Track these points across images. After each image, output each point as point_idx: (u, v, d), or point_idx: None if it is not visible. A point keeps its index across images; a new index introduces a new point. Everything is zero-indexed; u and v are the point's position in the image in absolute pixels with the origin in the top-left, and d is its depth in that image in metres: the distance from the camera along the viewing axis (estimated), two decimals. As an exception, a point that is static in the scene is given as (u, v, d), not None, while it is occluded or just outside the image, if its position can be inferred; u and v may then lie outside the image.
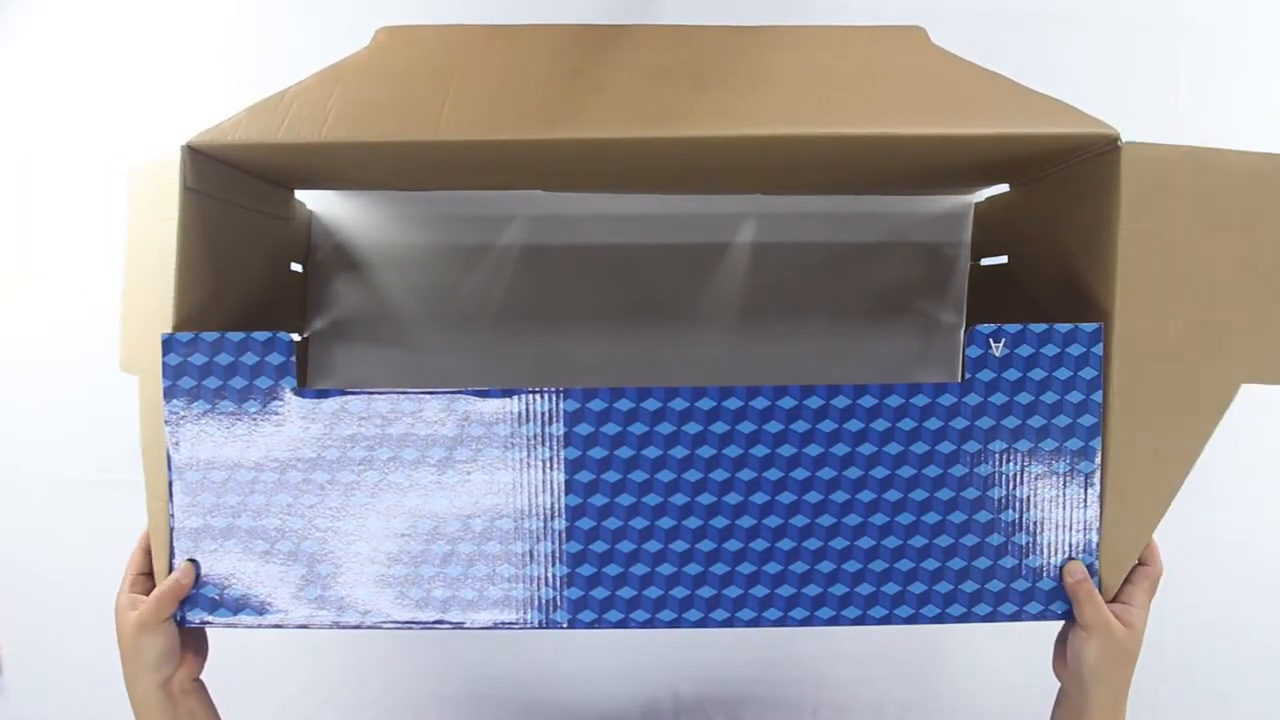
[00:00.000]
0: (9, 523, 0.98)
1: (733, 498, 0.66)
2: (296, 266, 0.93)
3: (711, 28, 0.73)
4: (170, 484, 0.67)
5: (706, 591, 0.66)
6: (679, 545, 0.66)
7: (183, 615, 0.67)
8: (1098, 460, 0.66)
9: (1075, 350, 0.65)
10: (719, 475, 0.66)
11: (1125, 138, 0.65)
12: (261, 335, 0.66)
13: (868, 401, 0.66)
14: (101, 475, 0.96)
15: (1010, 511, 0.66)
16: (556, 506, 0.66)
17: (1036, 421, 0.66)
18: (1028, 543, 0.66)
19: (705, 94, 0.68)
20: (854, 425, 0.66)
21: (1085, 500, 0.66)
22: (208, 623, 0.68)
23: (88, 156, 0.96)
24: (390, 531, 0.67)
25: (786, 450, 0.66)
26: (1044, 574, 0.66)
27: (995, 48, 0.94)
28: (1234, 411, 0.94)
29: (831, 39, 0.73)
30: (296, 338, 0.86)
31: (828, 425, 0.66)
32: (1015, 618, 0.66)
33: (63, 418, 0.97)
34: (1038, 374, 0.66)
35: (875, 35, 0.73)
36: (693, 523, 0.66)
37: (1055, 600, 0.66)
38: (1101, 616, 0.65)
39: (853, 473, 0.66)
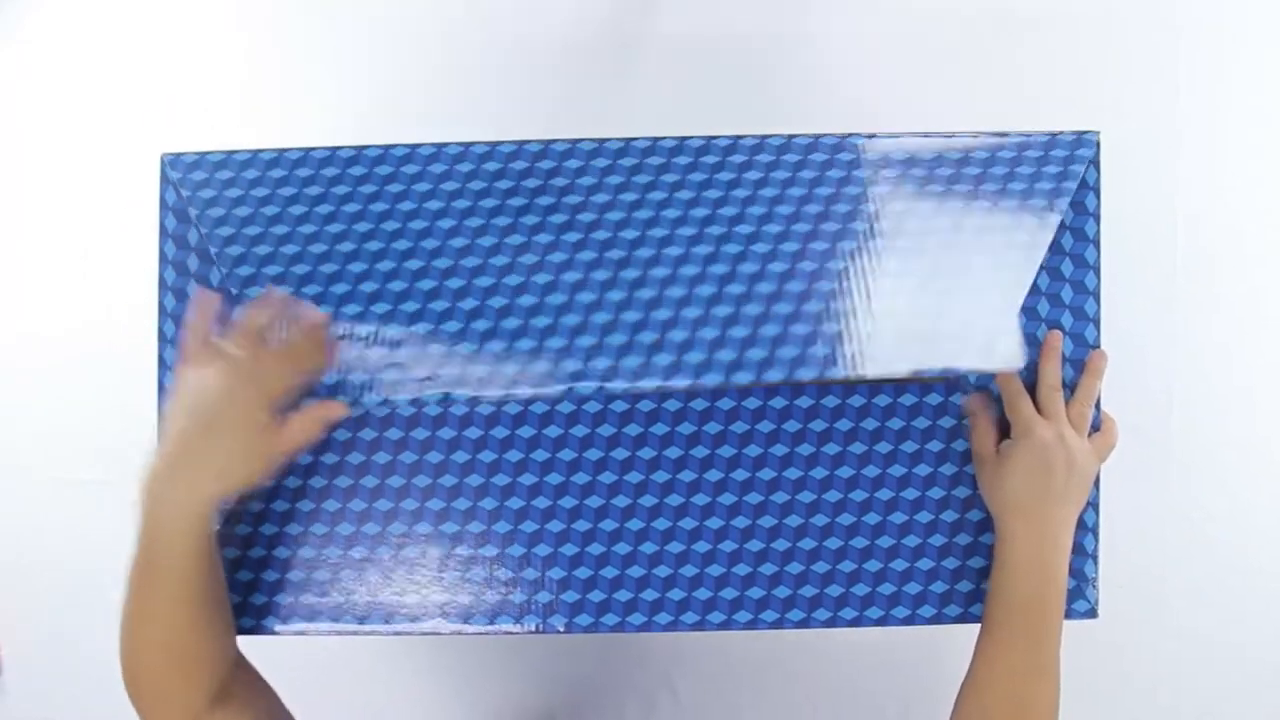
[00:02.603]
0: (9, 523, 0.98)
1: (727, 498, 0.66)
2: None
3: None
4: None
5: (703, 594, 0.66)
6: (675, 547, 0.66)
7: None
8: None
9: None
10: (713, 475, 0.66)
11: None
12: None
13: (857, 401, 0.66)
14: (101, 475, 0.96)
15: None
16: (553, 509, 0.66)
17: None
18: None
19: None
20: (844, 425, 0.66)
21: None
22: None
23: (84, 158, 0.96)
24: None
25: (779, 450, 0.66)
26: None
27: (995, 47, 0.95)
28: (1234, 414, 0.94)
29: None
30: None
31: (819, 424, 0.66)
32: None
33: (63, 418, 0.97)
34: None
35: None
36: (688, 524, 0.66)
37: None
38: (1027, 413, 0.63)
39: (844, 472, 0.66)
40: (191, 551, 0.54)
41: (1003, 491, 0.63)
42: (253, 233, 0.64)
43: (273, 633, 0.67)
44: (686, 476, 0.66)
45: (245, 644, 0.68)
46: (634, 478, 0.66)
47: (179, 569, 0.54)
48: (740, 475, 0.66)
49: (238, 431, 0.55)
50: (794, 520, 0.66)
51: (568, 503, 0.66)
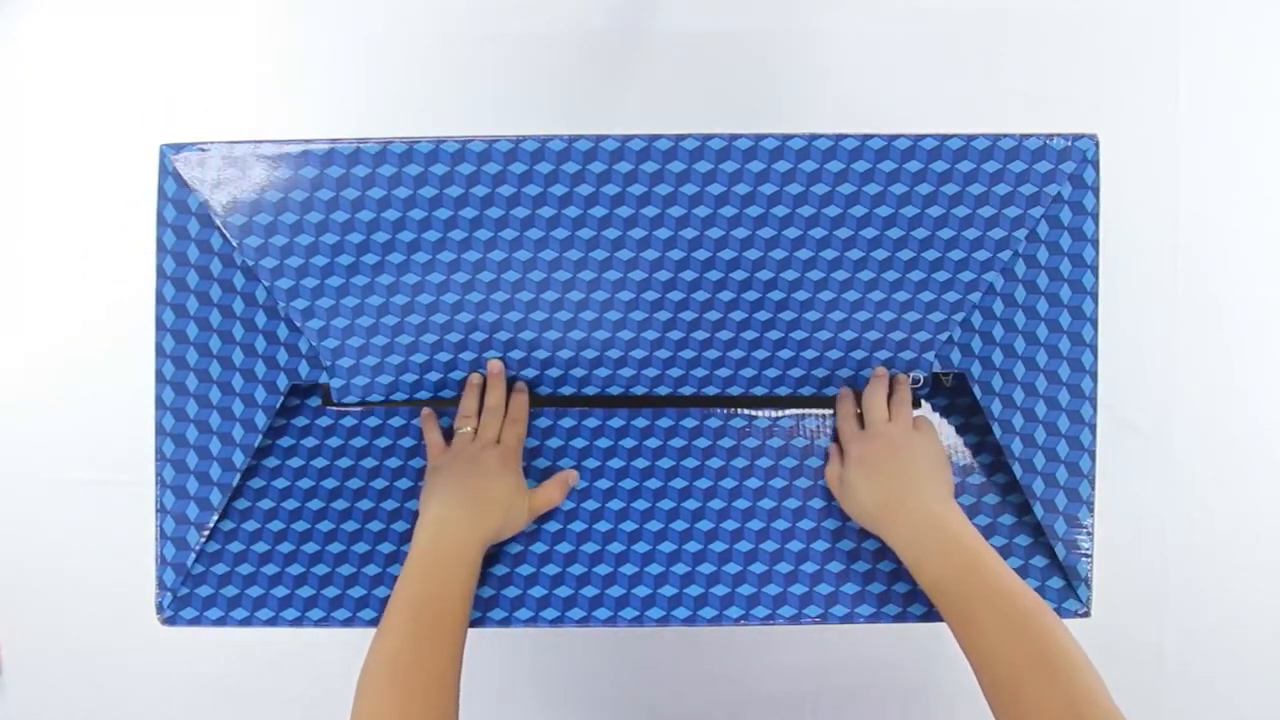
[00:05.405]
0: (9, 523, 0.98)
1: (717, 504, 0.67)
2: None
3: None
4: None
5: (696, 590, 0.66)
6: (667, 546, 0.66)
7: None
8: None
9: None
10: (703, 483, 0.67)
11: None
12: None
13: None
14: (101, 475, 0.97)
15: None
16: None
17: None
18: None
19: None
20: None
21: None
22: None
23: (84, 159, 0.96)
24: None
25: (769, 459, 0.67)
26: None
27: (995, 45, 0.95)
28: (1234, 414, 0.94)
29: None
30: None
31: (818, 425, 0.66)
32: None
33: (62, 418, 0.97)
34: None
35: None
36: (679, 526, 0.66)
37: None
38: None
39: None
40: (468, 581, 0.61)
41: (856, 512, 0.64)
42: (264, 221, 0.64)
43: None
44: (678, 484, 0.67)
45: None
46: (629, 482, 0.67)
47: (458, 596, 0.60)
48: (729, 483, 0.67)
49: (506, 494, 0.64)
50: (781, 524, 0.66)
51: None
